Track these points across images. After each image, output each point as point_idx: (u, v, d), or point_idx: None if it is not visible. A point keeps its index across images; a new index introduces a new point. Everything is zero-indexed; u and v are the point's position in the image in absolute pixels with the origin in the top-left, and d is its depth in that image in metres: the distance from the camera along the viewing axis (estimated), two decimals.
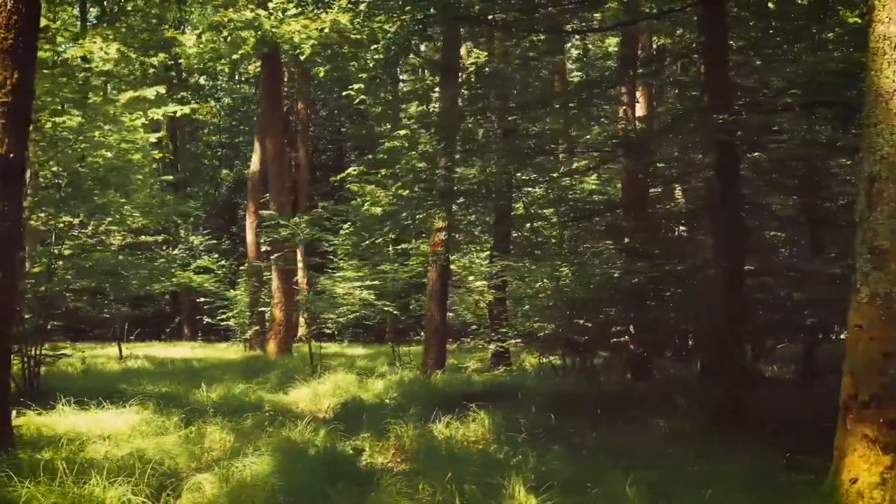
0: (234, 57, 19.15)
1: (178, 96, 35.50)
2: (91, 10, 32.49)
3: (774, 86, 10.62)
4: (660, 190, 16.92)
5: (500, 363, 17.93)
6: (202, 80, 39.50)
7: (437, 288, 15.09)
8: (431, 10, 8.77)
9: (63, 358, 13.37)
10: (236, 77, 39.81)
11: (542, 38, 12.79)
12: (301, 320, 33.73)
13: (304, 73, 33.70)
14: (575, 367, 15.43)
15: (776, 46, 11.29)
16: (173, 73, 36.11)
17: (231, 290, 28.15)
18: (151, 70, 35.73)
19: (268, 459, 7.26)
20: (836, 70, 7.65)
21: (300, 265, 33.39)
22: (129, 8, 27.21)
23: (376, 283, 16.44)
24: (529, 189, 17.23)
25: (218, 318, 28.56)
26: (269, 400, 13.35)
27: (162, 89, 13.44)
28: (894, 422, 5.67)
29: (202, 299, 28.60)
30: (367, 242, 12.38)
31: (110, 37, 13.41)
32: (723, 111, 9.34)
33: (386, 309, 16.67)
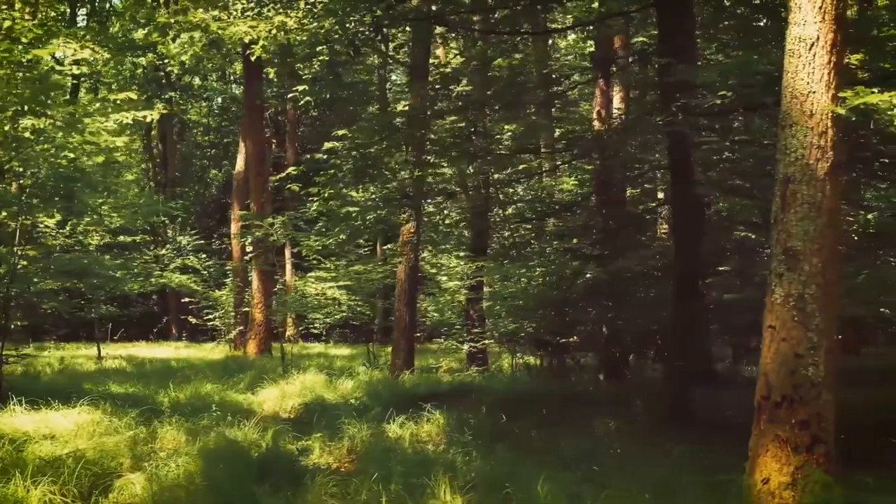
0: (209, 59, 19.05)
1: (167, 97, 35.65)
2: (80, 10, 32.62)
3: (733, 86, 10.64)
4: (638, 190, 16.94)
5: (476, 364, 17.95)
6: (196, 80, 39.54)
7: (406, 288, 15.11)
8: (377, 12, 8.81)
9: (27, 359, 13.38)
10: (228, 77, 39.83)
11: (516, 38, 12.85)
12: (289, 320, 33.93)
13: (292, 73, 33.76)
14: (552, 367, 15.48)
15: (735, 47, 11.31)
16: (162, 74, 36.19)
17: (216, 291, 28.21)
18: (140, 70, 35.90)
19: (200, 460, 7.28)
20: (764, 71, 7.67)
21: (288, 265, 33.50)
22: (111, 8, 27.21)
23: (349, 283, 16.45)
24: (510, 189, 17.29)
25: (205, 318, 28.66)
26: (235, 400, 13.39)
27: (133, 94, 13.41)
28: (805, 422, 5.69)
29: (186, 300, 28.66)
30: (330, 241, 12.34)
31: (86, 38, 13.38)
32: (673, 110, 9.36)
33: (358, 309, 16.68)
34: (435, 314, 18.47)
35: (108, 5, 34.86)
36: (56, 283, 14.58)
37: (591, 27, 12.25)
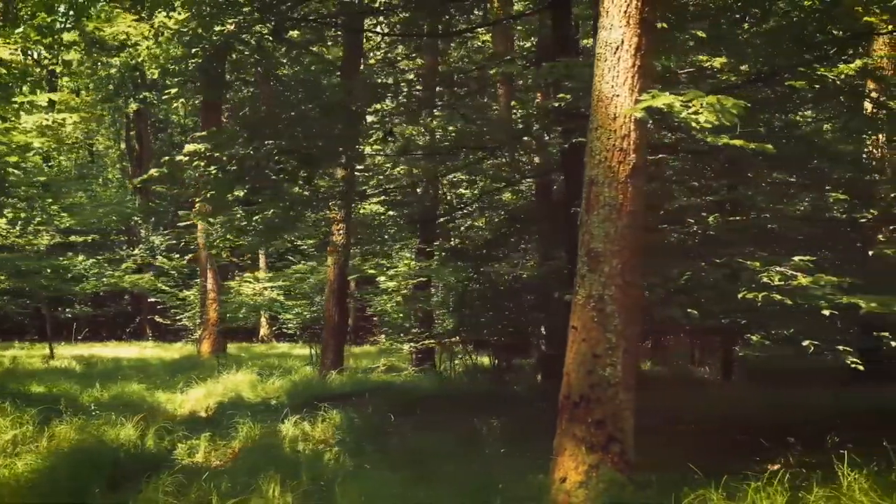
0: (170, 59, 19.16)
1: (142, 96, 35.73)
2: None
3: None
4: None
5: (422, 363, 18.01)
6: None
7: (335, 288, 15.20)
8: (255, 15, 8.90)
9: None
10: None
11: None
12: (263, 321, 34.06)
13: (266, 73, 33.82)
14: (495, 367, 15.56)
15: None
16: (137, 73, 36.29)
17: (185, 291, 28.35)
18: (114, 70, 35.98)
19: (50, 458, 7.39)
20: None
21: (262, 265, 33.64)
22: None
23: (286, 283, 16.55)
24: (462, 191, 17.36)
25: (174, 318, 28.83)
26: (158, 400, 13.55)
27: (55, 96, 13.54)
28: (601, 422, 5.76)
29: (152, 300, 28.81)
30: (243, 240, 12.40)
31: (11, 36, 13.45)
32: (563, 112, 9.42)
33: (296, 310, 16.78)
34: (392, 313, 18.57)
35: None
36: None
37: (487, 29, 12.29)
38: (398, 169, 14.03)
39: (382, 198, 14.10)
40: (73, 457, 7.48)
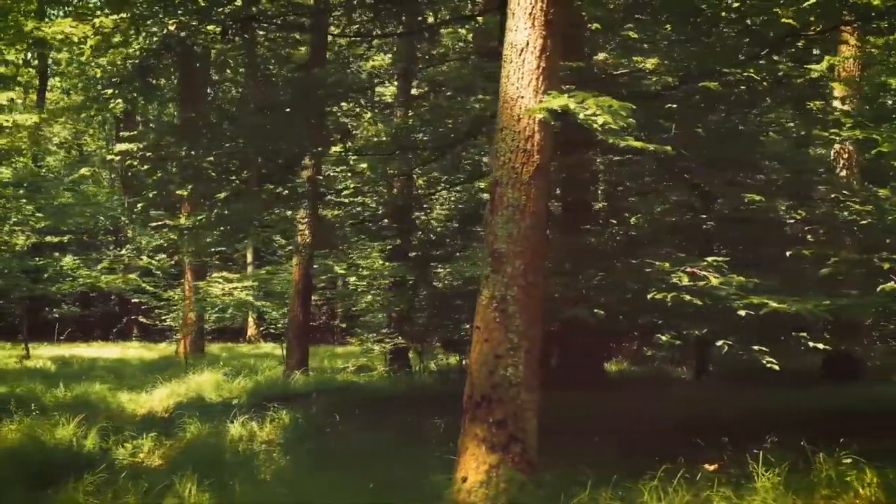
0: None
1: (130, 97, 35.77)
2: None
3: None
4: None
5: (397, 364, 18.03)
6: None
7: (300, 289, 15.23)
8: (195, 16, 8.93)
9: None
10: None
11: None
12: (250, 321, 34.13)
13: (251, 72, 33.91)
14: (463, 366, 15.61)
15: None
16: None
17: (168, 291, 28.39)
18: (99, 71, 36.05)
19: None
20: None
21: (249, 264, 33.73)
22: None
23: (255, 283, 16.59)
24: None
25: (159, 318, 28.88)
26: (119, 400, 13.60)
27: (16, 95, 13.60)
28: (502, 422, 5.78)
29: (136, 300, 28.87)
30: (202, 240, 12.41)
31: None
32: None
33: (264, 309, 16.81)
34: (363, 313, 18.61)
35: None
36: None
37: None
38: (362, 166, 14.07)
39: (350, 199, 14.16)
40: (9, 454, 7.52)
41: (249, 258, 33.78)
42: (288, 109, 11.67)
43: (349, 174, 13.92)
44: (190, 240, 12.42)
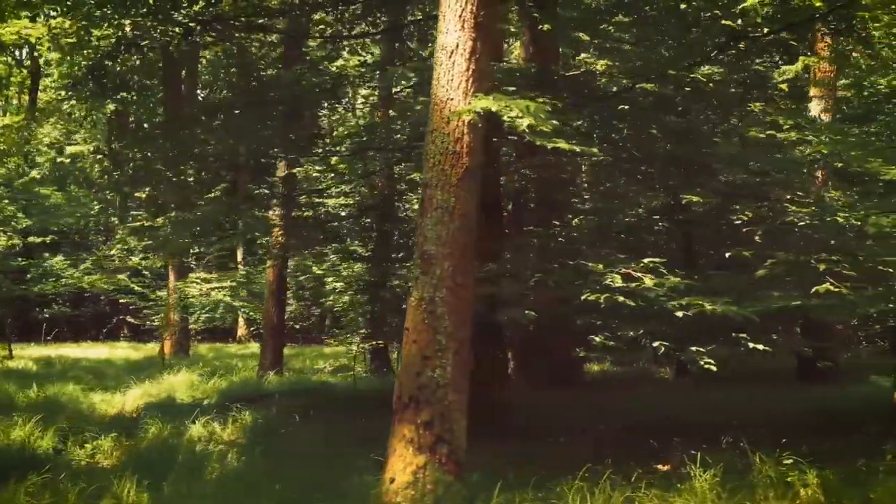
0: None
1: (119, 97, 35.85)
2: None
3: None
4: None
5: (376, 362, 18.07)
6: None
7: (274, 289, 15.27)
8: (152, 17, 8.94)
9: None
10: None
11: None
12: (241, 321, 34.17)
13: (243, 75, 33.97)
14: None
15: None
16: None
17: (156, 292, 28.47)
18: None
19: None
20: None
21: (239, 264, 33.78)
22: None
23: (234, 284, 16.65)
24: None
25: (150, 318, 28.97)
26: (91, 400, 13.63)
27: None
28: (429, 423, 5.79)
29: (125, 300, 28.94)
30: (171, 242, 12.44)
31: None
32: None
33: (243, 310, 16.87)
34: (342, 313, 18.64)
35: None
36: None
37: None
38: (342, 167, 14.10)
39: (318, 199, 14.16)
40: None
41: (240, 258, 33.83)
42: (261, 110, 11.74)
43: (326, 175, 13.97)
44: (161, 242, 12.43)
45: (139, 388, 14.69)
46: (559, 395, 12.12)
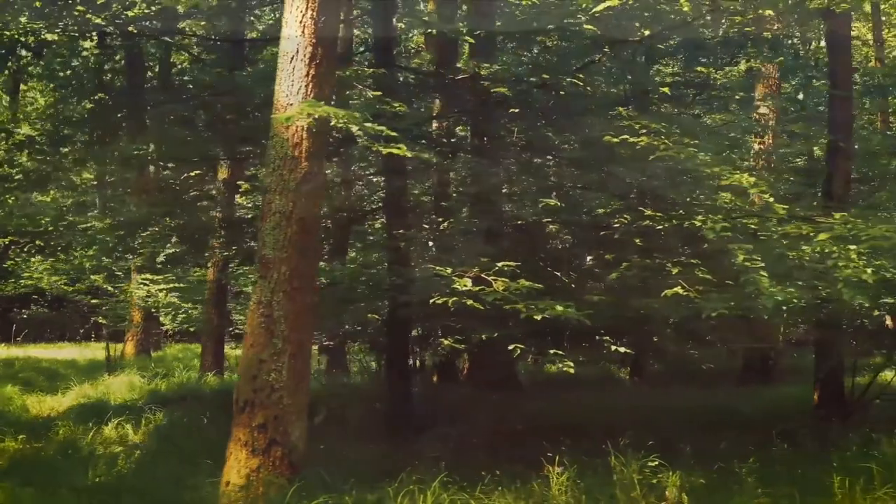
0: None
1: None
2: None
3: None
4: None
5: (335, 366, 18.07)
6: None
7: (215, 290, 15.33)
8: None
9: None
10: None
11: None
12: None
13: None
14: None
15: None
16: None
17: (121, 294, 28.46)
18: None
19: None
20: None
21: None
22: None
23: (184, 286, 16.72)
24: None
25: (122, 319, 28.98)
26: (24, 402, 13.72)
27: None
28: (263, 426, 5.85)
29: (94, 301, 28.95)
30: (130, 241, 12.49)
31: None
32: None
33: (191, 311, 16.93)
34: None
35: None
36: None
37: None
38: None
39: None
40: None
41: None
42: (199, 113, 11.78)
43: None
44: (99, 244, 12.46)
45: (78, 389, 14.73)
46: (480, 396, 12.13)
